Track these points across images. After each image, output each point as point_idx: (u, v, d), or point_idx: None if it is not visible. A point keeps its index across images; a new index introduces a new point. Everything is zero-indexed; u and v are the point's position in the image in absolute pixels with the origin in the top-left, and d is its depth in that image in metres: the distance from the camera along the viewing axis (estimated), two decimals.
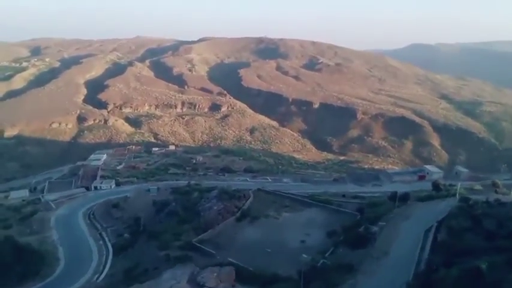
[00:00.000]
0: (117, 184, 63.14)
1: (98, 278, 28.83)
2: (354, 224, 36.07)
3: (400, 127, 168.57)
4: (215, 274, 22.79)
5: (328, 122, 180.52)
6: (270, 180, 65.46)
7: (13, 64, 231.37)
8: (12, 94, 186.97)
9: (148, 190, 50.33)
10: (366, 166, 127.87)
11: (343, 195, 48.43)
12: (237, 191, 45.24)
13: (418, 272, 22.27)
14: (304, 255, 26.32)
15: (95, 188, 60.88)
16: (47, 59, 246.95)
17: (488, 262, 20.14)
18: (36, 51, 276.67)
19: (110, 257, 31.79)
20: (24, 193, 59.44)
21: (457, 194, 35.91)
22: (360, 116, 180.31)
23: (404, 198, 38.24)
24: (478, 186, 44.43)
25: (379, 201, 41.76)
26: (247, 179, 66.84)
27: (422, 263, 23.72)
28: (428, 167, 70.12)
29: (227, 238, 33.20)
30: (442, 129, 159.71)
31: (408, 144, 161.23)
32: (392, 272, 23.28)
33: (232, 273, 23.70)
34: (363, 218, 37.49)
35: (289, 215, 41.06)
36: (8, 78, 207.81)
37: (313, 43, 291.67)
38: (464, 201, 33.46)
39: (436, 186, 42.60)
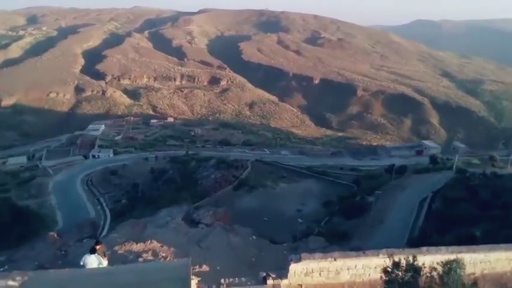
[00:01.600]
0: (115, 153, 63.19)
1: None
2: (350, 194, 36.41)
3: (400, 104, 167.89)
4: (211, 212, 23.15)
5: (328, 98, 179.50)
6: (268, 152, 65.57)
7: (9, 32, 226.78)
8: (8, 63, 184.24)
9: (147, 158, 50.42)
10: (364, 143, 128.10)
11: (341, 168, 48.64)
12: (235, 160, 45.33)
13: (412, 238, 22.63)
14: (300, 220, 26.70)
15: (93, 156, 60.95)
16: (43, 28, 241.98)
17: (482, 229, 20.41)
18: (32, 19, 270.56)
19: (108, 221, 32.12)
20: (22, 160, 59.53)
21: (454, 167, 36.04)
22: (360, 92, 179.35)
23: (401, 170, 38.44)
24: (475, 160, 44.58)
25: (376, 173, 42.01)
26: (246, 150, 66.93)
27: (417, 229, 24.10)
28: (426, 142, 70.29)
29: (224, 206, 33.53)
30: (442, 108, 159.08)
31: (407, 122, 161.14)
32: (386, 238, 23.62)
33: (228, 214, 24.04)
34: (360, 189, 37.82)
35: (286, 185, 41.36)
36: (5, 46, 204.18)
37: (316, 17, 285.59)
38: (461, 173, 33.63)
39: (433, 159, 42.74)
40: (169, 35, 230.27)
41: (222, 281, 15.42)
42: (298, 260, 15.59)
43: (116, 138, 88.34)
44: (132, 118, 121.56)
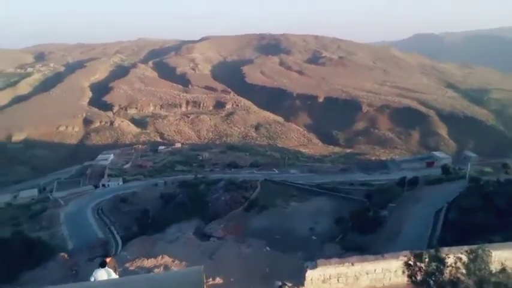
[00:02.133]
0: (125, 182, 63.44)
1: None
2: (362, 209, 35.72)
3: (406, 118, 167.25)
4: (222, 226, 22.75)
5: (334, 115, 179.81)
6: (276, 171, 65.27)
7: (18, 70, 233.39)
8: (18, 100, 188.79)
9: (156, 184, 50.44)
10: (373, 158, 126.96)
11: (351, 184, 48.07)
12: (244, 181, 45.07)
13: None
14: (314, 237, 26.19)
15: (103, 185, 61.21)
16: (51, 64, 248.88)
17: (501, 236, 19.79)
18: (40, 57, 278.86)
19: (120, 248, 31.84)
20: (33, 192, 59.95)
21: (467, 176, 35.37)
22: (365, 108, 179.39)
23: (414, 182, 37.78)
24: (488, 169, 43.77)
25: (387, 187, 41.27)
26: (254, 171, 66.72)
27: (434, 240, 23.40)
28: (436, 153, 69.43)
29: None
30: (449, 118, 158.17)
31: (415, 135, 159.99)
32: (403, 249, 22.92)
33: (240, 227, 23.62)
34: (372, 203, 37.14)
35: (297, 204, 40.77)
36: (14, 84, 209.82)
37: (316, 37, 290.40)
38: (475, 181, 32.89)
39: (445, 169, 42.05)
40: (173, 63, 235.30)
41: None
42: (315, 266, 15.10)
43: (125, 166, 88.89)
44: (140, 146, 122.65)
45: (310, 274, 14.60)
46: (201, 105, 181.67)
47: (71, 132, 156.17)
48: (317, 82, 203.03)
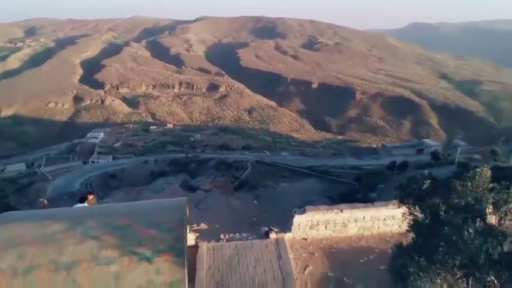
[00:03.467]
0: (114, 159, 62.87)
1: None
2: (352, 191, 36.04)
3: (399, 107, 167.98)
4: (209, 180, 22.68)
5: (327, 102, 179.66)
6: (268, 154, 65.23)
7: (8, 44, 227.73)
8: (7, 74, 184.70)
9: (146, 162, 50.10)
10: (364, 145, 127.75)
11: (342, 167, 48.32)
12: (235, 162, 44.99)
13: None
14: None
15: (92, 162, 60.65)
16: (41, 39, 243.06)
17: None
18: (30, 31, 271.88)
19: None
20: (21, 167, 59.19)
21: (456, 162, 35.74)
22: (358, 95, 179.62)
23: (403, 166, 38.13)
24: (477, 156, 44.28)
25: (377, 170, 41.64)
26: (246, 153, 66.62)
27: None
28: (426, 140, 70.00)
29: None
30: (441, 109, 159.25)
31: (406, 124, 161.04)
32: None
33: (228, 183, 23.59)
34: (361, 186, 37.47)
35: (287, 184, 40.95)
36: (3, 58, 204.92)
37: (312, 22, 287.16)
38: (463, 167, 33.28)
39: (434, 155, 42.43)
40: (167, 43, 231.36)
41: (222, 236, 14.93)
42: (303, 211, 15.07)
43: (115, 145, 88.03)
44: (131, 125, 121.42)
45: (297, 219, 14.55)
46: (194, 87, 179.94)
47: (61, 109, 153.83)
48: (312, 68, 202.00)
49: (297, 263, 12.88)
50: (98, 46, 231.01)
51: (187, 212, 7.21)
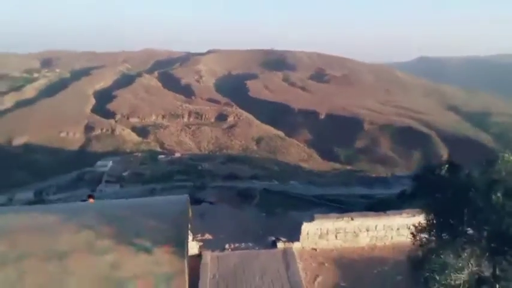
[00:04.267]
0: (121, 187, 63.09)
1: None
2: None
3: (408, 138, 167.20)
4: (215, 192, 22.10)
5: (335, 132, 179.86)
6: (276, 182, 64.82)
7: (24, 75, 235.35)
8: (22, 104, 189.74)
9: (153, 190, 50.11)
10: (374, 175, 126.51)
11: (351, 196, 47.62)
12: (243, 190, 44.65)
13: None
14: None
15: (100, 191, 60.85)
16: (57, 70, 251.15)
17: None
18: (47, 62, 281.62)
19: None
20: (29, 195, 59.60)
21: None
22: (367, 126, 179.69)
23: (413, 195, 37.40)
24: None
25: (387, 199, 40.86)
26: (254, 181, 66.28)
27: None
28: None
29: None
30: (450, 140, 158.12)
31: (416, 155, 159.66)
32: None
33: (235, 195, 22.99)
34: None
35: (295, 213, 40.28)
36: (19, 88, 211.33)
37: (320, 55, 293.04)
38: None
39: None
40: (178, 74, 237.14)
41: (227, 246, 14.35)
42: (312, 219, 14.45)
43: (124, 174, 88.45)
44: (139, 154, 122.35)
45: (306, 227, 13.95)
46: (203, 116, 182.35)
47: (72, 138, 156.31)
48: (319, 99, 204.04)
49: (306, 273, 12.36)
50: (112, 77, 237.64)
51: (190, 211, 7.07)
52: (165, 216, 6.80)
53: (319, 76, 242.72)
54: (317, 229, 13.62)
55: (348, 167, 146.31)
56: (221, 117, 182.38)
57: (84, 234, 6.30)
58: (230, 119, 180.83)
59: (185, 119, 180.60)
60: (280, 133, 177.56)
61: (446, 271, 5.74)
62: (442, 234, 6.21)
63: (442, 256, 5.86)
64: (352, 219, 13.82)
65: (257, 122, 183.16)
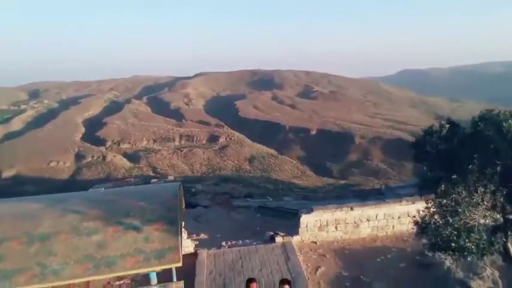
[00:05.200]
0: None
1: None
2: None
3: (398, 149, 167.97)
4: (209, 196, 21.81)
5: (327, 147, 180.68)
6: (270, 199, 64.17)
7: (12, 107, 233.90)
8: (10, 136, 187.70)
9: None
10: (368, 188, 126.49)
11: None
12: (238, 207, 44.20)
13: None
14: None
15: None
16: (45, 101, 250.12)
17: None
18: (34, 94, 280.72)
19: None
20: None
21: None
22: (357, 140, 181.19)
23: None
24: None
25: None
26: (248, 199, 65.61)
27: None
28: None
29: None
30: None
31: (408, 166, 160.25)
32: None
33: (228, 199, 22.61)
34: None
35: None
36: (7, 121, 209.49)
37: (307, 73, 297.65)
38: None
39: None
40: (167, 98, 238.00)
41: (224, 243, 14.02)
42: (310, 211, 14.22)
43: None
44: (132, 179, 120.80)
45: (305, 219, 13.73)
46: (195, 139, 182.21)
47: (62, 167, 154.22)
48: (309, 115, 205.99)
49: (307, 264, 12.16)
50: (100, 105, 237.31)
51: (183, 199, 6.98)
52: (156, 198, 6.73)
53: (307, 93, 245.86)
54: (316, 221, 13.53)
55: (342, 181, 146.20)
56: (212, 139, 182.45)
57: (69, 218, 6.21)
58: (222, 140, 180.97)
59: (176, 142, 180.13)
60: (273, 151, 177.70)
61: (460, 209, 5.67)
62: (452, 177, 6.14)
63: (454, 195, 5.79)
64: (351, 209, 13.81)
65: (249, 141, 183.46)
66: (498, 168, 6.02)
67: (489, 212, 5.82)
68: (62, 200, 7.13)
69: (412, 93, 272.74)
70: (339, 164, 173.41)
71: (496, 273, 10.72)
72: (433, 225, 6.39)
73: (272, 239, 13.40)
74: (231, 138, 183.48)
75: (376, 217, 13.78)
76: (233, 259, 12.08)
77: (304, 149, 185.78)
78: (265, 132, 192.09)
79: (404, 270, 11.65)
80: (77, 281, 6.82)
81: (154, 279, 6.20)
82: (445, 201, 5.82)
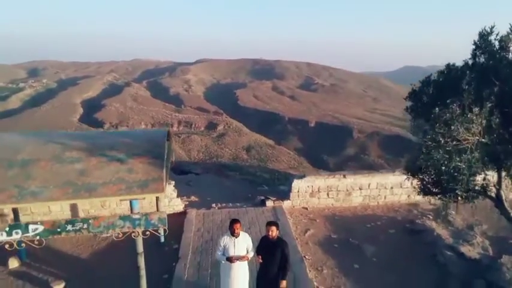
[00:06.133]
0: None
1: None
2: None
3: (396, 145, 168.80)
4: (202, 166, 21.99)
5: (324, 140, 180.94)
6: (266, 188, 64.60)
7: (10, 85, 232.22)
8: (7, 114, 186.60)
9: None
10: None
11: None
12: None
13: None
14: None
15: None
16: (44, 80, 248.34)
17: None
18: (33, 72, 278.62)
19: None
20: None
21: None
22: (356, 134, 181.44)
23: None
24: None
25: None
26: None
27: None
28: None
29: None
30: None
31: (404, 162, 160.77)
32: None
33: (221, 169, 22.76)
34: None
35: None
36: (4, 98, 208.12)
37: (309, 64, 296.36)
38: None
39: None
40: (167, 83, 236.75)
41: (214, 205, 14.14)
42: (302, 176, 14.34)
43: None
44: None
45: (296, 184, 13.84)
46: (193, 125, 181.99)
47: None
48: (308, 107, 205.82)
49: (296, 227, 12.30)
50: (99, 87, 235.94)
51: (172, 150, 6.95)
52: (143, 136, 6.69)
53: (308, 85, 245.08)
54: (308, 186, 13.59)
55: None
56: (211, 126, 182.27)
57: (51, 147, 6.15)
58: (220, 128, 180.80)
59: (175, 128, 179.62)
60: (270, 141, 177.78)
61: (453, 126, 5.58)
62: (447, 101, 6.02)
63: (447, 114, 5.69)
64: (344, 176, 13.87)
65: (247, 130, 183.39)
66: (496, 89, 5.96)
67: (483, 137, 5.75)
68: (45, 134, 7.06)
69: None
70: (336, 157, 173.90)
71: (487, 242, 10.85)
72: (424, 149, 6.38)
73: (263, 203, 13.46)
74: (229, 127, 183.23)
75: (369, 186, 13.83)
76: (222, 219, 12.14)
77: (302, 140, 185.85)
78: (264, 122, 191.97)
79: (394, 236, 11.75)
80: (55, 203, 6.85)
81: (136, 208, 6.22)
82: (437, 124, 5.77)
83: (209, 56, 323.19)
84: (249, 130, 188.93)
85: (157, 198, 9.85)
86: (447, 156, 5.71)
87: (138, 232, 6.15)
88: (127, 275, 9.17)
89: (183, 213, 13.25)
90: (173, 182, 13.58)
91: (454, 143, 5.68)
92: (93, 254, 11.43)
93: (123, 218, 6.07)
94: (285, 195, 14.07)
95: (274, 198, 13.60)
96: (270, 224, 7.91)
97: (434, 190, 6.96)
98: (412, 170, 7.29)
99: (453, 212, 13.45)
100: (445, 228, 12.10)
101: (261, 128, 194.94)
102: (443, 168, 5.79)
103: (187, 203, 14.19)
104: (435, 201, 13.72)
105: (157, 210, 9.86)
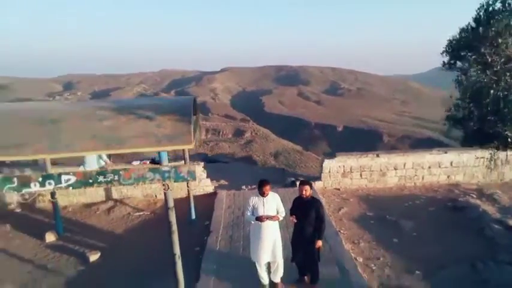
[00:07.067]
0: None
1: None
2: None
3: (428, 148, 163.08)
4: (229, 157, 21.76)
5: (354, 145, 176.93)
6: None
7: (47, 98, 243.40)
8: None
9: None
10: None
11: None
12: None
13: None
14: None
15: None
16: (78, 93, 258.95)
17: None
18: (68, 86, 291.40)
19: None
20: None
21: None
22: (386, 138, 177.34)
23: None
24: None
25: None
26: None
27: None
28: None
29: None
30: None
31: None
32: None
33: (251, 158, 22.50)
34: None
35: None
36: None
37: (333, 69, 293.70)
38: None
39: None
40: (194, 92, 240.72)
41: (244, 187, 13.91)
42: (333, 157, 13.83)
43: None
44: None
45: (327, 164, 13.36)
46: (221, 133, 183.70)
47: None
48: (335, 112, 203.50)
49: (329, 205, 11.88)
50: (130, 97, 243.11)
51: (199, 115, 6.93)
52: (170, 101, 6.85)
53: (334, 90, 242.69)
54: (339, 166, 13.16)
55: None
56: (238, 133, 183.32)
57: (82, 107, 6.39)
58: (247, 135, 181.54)
59: (203, 136, 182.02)
60: (298, 147, 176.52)
61: (500, 39, 5.29)
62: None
63: (492, 31, 5.41)
64: (377, 155, 13.35)
65: (274, 136, 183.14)
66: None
67: None
68: (74, 102, 7.47)
69: (443, 92, 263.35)
70: None
71: None
72: (472, 73, 6.07)
73: (293, 184, 13.16)
74: (256, 133, 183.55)
75: (404, 166, 13.21)
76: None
77: (330, 145, 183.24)
78: (291, 127, 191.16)
79: (435, 212, 11.14)
80: (87, 153, 6.97)
81: (165, 160, 6.20)
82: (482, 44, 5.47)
83: (234, 64, 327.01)
84: (276, 136, 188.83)
85: (183, 152, 10.09)
86: (495, 78, 5.34)
87: (167, 185, 6.13)
88: (158, 248, 9.37)
89: (213, 194, 13.22)
90: (202, 163, 13.59)
91: (503, 60, 5.32)
92: (127, 230, 11.69)
93: (153, 170, 6.07)
94: (316, 180, 13.73)
95: (304, 179, 13.26)
96: (303, 183, 7.65)
97: (479, 138, 6.51)
98: (454, 119, 6.89)
99: (498, 191, 12.71)
100: (490, 205, 11.43)
101: (287, 134, 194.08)
102: (491, 92, 5.41)
103: (217, 185, 14.13)
104: (479, 173, 12.85)
105: (185, 163, 9.98)
